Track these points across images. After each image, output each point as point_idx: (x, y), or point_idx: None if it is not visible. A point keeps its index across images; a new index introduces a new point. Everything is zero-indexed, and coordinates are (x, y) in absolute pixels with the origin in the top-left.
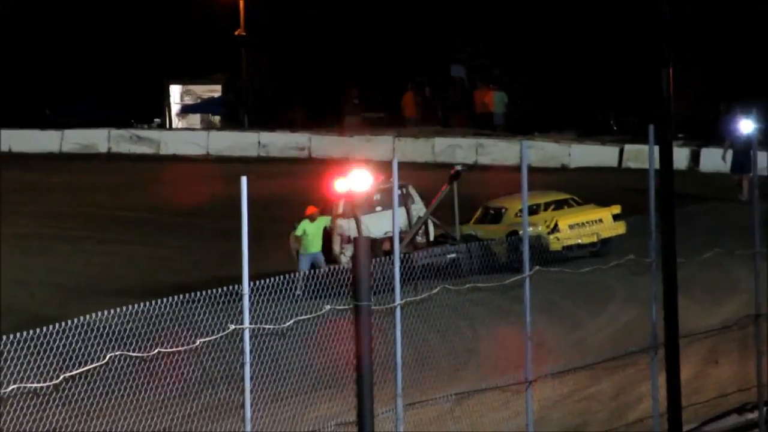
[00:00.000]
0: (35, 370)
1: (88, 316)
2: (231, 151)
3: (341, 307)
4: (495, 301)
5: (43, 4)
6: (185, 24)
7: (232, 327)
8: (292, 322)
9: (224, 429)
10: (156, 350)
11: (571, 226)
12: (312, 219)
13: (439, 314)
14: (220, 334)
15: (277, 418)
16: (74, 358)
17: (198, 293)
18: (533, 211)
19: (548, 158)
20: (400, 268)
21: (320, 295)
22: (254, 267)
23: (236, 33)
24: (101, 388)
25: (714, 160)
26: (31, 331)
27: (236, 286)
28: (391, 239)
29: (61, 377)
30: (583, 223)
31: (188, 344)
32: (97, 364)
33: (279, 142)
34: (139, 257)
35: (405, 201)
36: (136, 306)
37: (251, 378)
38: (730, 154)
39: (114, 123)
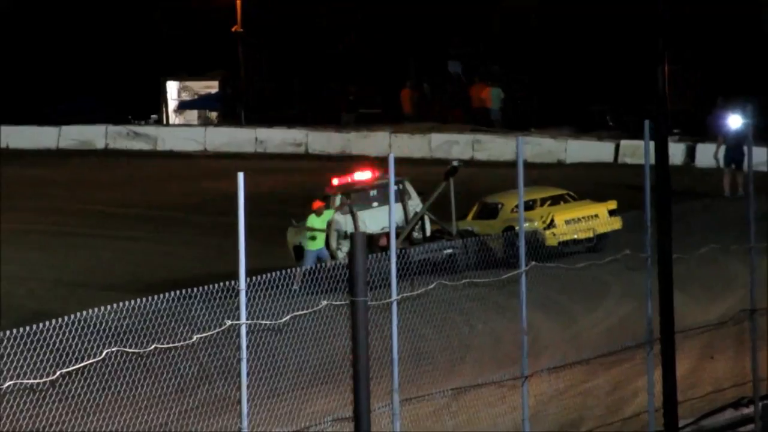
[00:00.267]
0: (32, 366)
1: (85, 313)
2: (228, 147)
3: (338, 303)
4: (491, 297)
5: (42, 1)
6: (182, 20)
7: (229, 323)
8: (288, 317)
9: (221, 425)
10: (153, 346)
11: (567, 222)
12: (318, 213)
13: (435, 310)
14: (216, 330)
15: (273, 413)
16: (71, 354)
17: (195, 289)
18: (529, 206)
19: (545, 154)
20: (397, 263)
21: (317, 291)
22: (251, 262)
23: (233, 29)
24: (98, 384)
25: (710, 155)
26: (28, 327)
27: (233, 282)
28: (387, 235)
29: (58, 373)
30: (579, 219)
31: (185, 340)
32: (93, 360)
33: (276, 138)
34: (137, 253)
35: (401, 197)
36: (132, 302)
37: (248, 374)
38: (722, 151)
39: (111, 119)
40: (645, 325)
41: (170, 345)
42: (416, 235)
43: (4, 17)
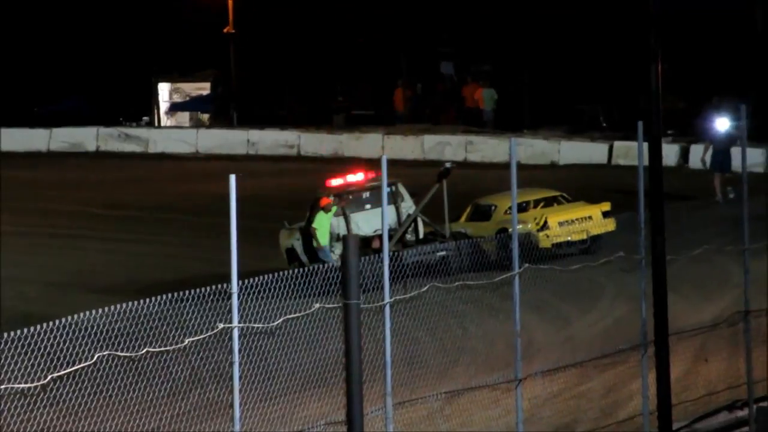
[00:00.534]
0: (23, 370)
1: (76, 316)
2: (220, 149)
3: (330, 306)
4: (485, 299)
5: (32, 1)
6: (174, 21)
7: (221, 326)
8: (281, 320)
9: (213, 429)
10: (144, 350)
11: (560, 224)
12: (327, 210)
13: (428, 312)
14: (208, 333)
15: (266, 417)
16: (62, 358)
17: (187, 292)
18: (523, 208)
19: (538, 155)
20: (390, 266)
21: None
22: (243, 265)
23: (225, 30)
24: (89, 388)
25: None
26: (18, 331)
27: (225, 285)
28: (380, 237)
29: (49, 377)
30: (572, 221)
31: (177, 344)
32: (85, 364)
33: (268, 140)
34: (129, 255)
35: (394, 199)
36: (124, 305)
37: (240, 377)
38: (710, 154)
39: (102, 121)
40: (639, 327)
41: (162, 349)
42: (409, 237)
43: None
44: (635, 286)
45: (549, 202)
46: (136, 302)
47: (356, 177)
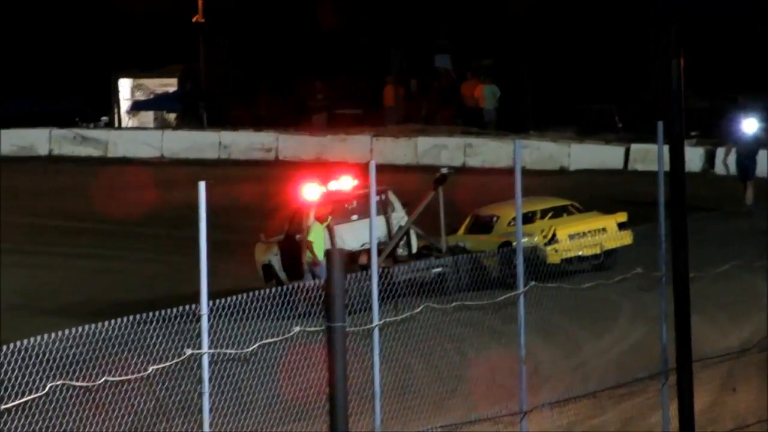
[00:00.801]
0: None
1: (26, 341)
2: (188, 152)
3: (312, 329)
4: (485, 321)
5: None
6: (136, 10)
7: (189, 352)
8: (256, 346)
9: None
10: (103, 379)
11: (571, 236)
12: (322, 221)
13: (422, 336)
14: (175, 360)
15: None
16: (10, 388)
17: (150, 313)
18: (528, 219)
19: (545, 159)
20: (379, 284)
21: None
22: (214, 283)
23: (193, 20)
24: (41, 422)
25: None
26: None
27: (193, 306)
28: (368, 252)
29: None
30: (584, 233)
31: (139, 372)
32: (36, 395)
33: (242, 143)
34: (86, 272)
35: (384, 209)
36: (80, 328)
37: (210, 410)
38: (732, 158)
39: (56, 122)
40: (659, 353)
41: (123, 378)
42: (401, 251)
43: None
44: (654, 306)
45: (558, 213)
46: (93, 325)
47: (341, 183)
